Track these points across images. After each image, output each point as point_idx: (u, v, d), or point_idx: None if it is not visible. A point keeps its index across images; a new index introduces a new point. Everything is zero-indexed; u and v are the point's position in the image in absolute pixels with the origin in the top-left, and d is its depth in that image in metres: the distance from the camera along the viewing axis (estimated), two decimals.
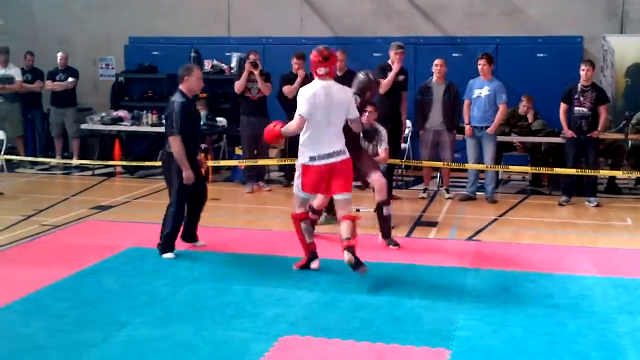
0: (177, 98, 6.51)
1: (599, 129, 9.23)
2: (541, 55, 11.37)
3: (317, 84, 5.91)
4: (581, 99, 9.13)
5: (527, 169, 9.83)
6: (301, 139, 5.93)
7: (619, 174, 9.81)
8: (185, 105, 6.46)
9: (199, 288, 5.64)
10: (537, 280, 5.83)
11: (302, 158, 5.96)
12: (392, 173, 9.67)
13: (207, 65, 12.40)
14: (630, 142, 10.19)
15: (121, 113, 11.93)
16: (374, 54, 11.29)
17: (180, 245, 6.72)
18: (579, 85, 9.18)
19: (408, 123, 10.44)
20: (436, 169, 10.08)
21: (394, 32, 11.89)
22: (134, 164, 10.77)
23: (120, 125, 11.76)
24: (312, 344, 4.53)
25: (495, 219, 8.33)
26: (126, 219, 8.28)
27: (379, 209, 6.97)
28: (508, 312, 5.07)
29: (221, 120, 11.57)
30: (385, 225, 7.01)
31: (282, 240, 7.12)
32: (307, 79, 9.06)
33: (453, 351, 4.41)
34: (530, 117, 10.37)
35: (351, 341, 4.56)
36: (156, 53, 12.92)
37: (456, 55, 11.36)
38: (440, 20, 12.27)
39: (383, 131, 7.51)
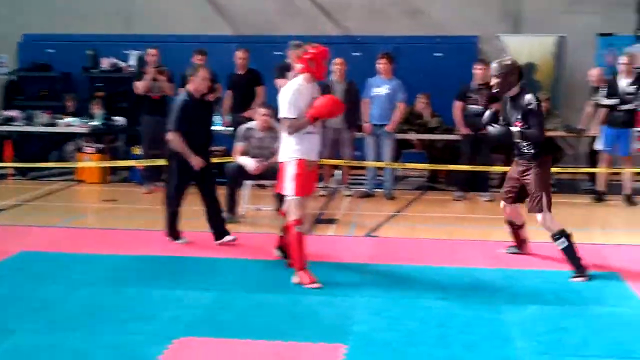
0: (181, 96, 6.81)
1: None
2: (438, 54, 11.64)
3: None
4: (476, 97, 9.40)
5: (425, 165, 10.05)
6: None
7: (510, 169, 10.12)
8: (186, 103, 6.66)
9: (93, 292, 5.47)
10: (431, 274, 5.97)
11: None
12: None
13: (105, 64, 12.10)
14: None
15: (13, 113, 11.47)
16: (276, 53, 11.26)
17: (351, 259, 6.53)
18: (474, 83, 9.45)
19: None
20: (336, 167, 10.18)
21: (297, 31, 11.86)
22: (26, 165, 10.42)
23: (12, 125, 11.31)
24: (208, 345, 4.49)
25: (394, 215, 8.48)
26: (17, 222, 7.98)
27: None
28: (403, 306, 5.17)
29: (119, 120, 11.33)
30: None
31: None
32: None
33: (350, 346, 4.45)
34: (427, 115, 10.59)
35: (249, 340, 4.53)
36: (51, 51, 12.50)
37: (356, 54, 11.48)
38: (342, 20, 12.40)
39: (277, 126, 7.55)
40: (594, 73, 10.14)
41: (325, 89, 9.43)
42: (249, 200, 8.42)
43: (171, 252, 6.66)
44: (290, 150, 5.64)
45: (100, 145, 10.78)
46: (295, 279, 5.63)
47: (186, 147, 6.63)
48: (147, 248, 6.80)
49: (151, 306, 5.15)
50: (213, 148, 11.01)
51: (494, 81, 5.90)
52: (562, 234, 5.81)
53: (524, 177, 6.02)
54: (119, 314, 4.99)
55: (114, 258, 6.44)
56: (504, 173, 10.43)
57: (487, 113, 6.32)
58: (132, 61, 11.90)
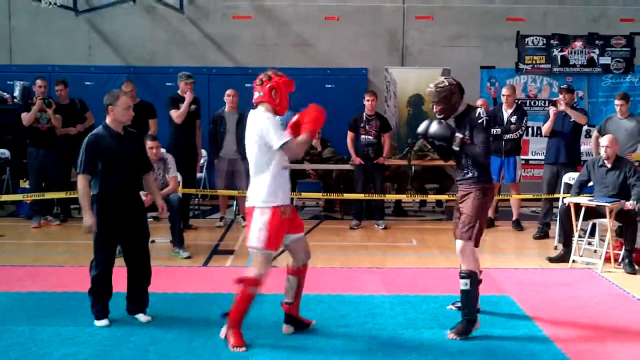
0: (92, 133, 5.51)
1: (384, 155, 9.75)
2: (329, 86, 11.83)
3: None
4: (367, 127, 9.60)
5: (319, 195, 10.14)
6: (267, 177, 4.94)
7: (404, 197, 10.40)
8: (93, 141, 5.38)
9: None
10: (329, 302, 5.98)
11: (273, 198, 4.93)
12: (189, 202, 9.61)
13: None
14: (413, 167, 10.84)
15: None
16: (167, 84, 11.17)
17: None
18: (364, 114, 9.65)
19: (203, 152, 10.42)
20: (232, 198, 10.12)
21: (187, 62, 11.85)
22: None
23: None
24: None
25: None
26: None
27: None
28: (302, 337, 5.15)
29: (3, 152, 10.89)
30: None
31: (72, 276, 6.78)
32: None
33: None
34: (318, 145, 10.71)
35: None
36: None
37: (249, 85, 11.46)
38: (232, 51, 12.42)
39: (169, 158, 7.51)
40: (479, 104, 10.54)
41: (219, 119, 9.45)
42: None
43: (62, 287, 6.40)
44: (264, 193, 4.88)
45: None
46: (223, 333, 5.05)
47: (86, 197, 5.36)
48: (37, 284, 6.52)
49: (42, 344, 4.95)
50: None
51: (437, 107, 5.27)
52: (470, 276, 5.21)
53: (461, 203, 5.35)
54: (8, 353, 4.77)
55: (1, 295, 6.16)
56: (398, 201, 10.75)
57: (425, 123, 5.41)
58: (17, 92, 11.49)
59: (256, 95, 4.99)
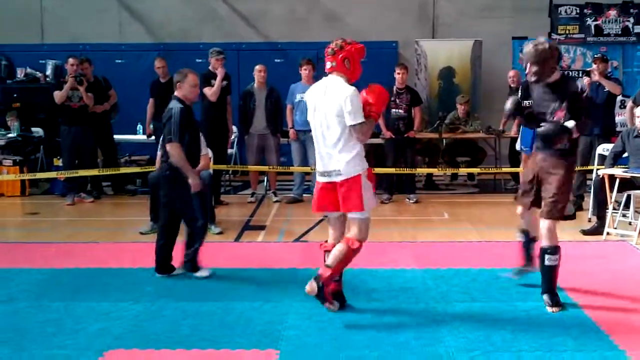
0: (174, 105, 6.00)
1: (414, 129, 9.69)
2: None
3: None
4: (397, 101, 9.54)
5: None
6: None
7: (435, 171, 10.35)
8: (184, 112, 5.96)
9: (16, 308, 5.31)
10: (362, 276, 5.99)
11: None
12: (220, 179, 9.67)
13: (20, 73, 11.76)
14: (444, 140, 10.77)
15: None
16: (197, 60, 11.20)
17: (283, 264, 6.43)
18: (395, 88, 9.58)
19: (233, 128, 10.44)
20: (263, 173, 10.16)
21: (217, 38, 11.85)
22: None
23: None
24: (138, 357, 4.41)
25: (322, 220, 8.49)
26: None
27: None
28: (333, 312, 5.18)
29: (37, 131, 11.02)
30: None
31: (106, 252, 6.89)
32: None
33: (281, 351, 4.44)
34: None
35: (180, 350, 4.47)
36: None
37: (278, 60, 11.50)
38: (261, 26, 12.40)
39: (200, 136, 7.51)
40: (511, 75, 10.45)
41: (248, 95, 9.46)
42: None
43: (96, 264, 6.50)
44: (359, 160, 4.92)
45: (18, 158, 10.45)
46: (309, 287, 4.95)
47: (187, 162, 5.95)
48: (72, 260, 6.62)
49: (78, 320, 5.02)
50: (136, 158, 10.93)
51: (532, 69, 5.03)
52: (556, 251, 5.14)
53: (547, 176, 5.15)
54: (45, 328, 4.85)
55: (36, 272, 6.26)
56: (429, 175, 10.70)
57: (511, 101, 5.43)
58: (49, 71, 11.60)
59: (328, 65, 4.94)
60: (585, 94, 4.83)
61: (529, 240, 5.66)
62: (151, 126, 9.93)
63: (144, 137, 10.28)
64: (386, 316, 5.07)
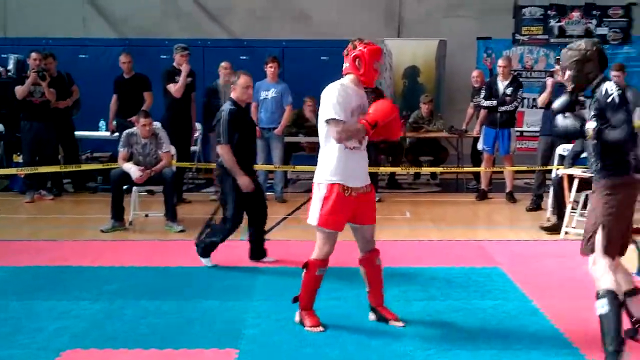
0: (226, 106, 6.19)
1: None
2: (325, 58, 11.77)
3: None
4: None
5: (314, 168, 10.11)
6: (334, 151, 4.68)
7: (398, 170, 10.42)
8: (234, 114, 6.10)
9: None
10: (324, 275, 6.00)
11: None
12: (183, 176, 9.63)
13: None
14: (408, 139, 10.83)
15: None
16: (162, 56, 11.16)
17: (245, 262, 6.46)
18: None
19: (198, 126, 10.40)
20: None
21: (182, 34, 11.80)
22: None
23: None
24: (95, 356, 4.38)
25: (285, 218, 8.52)
26: None
27: None
28: (296, 308, 5.19)
29: None
30: None
31: (67, 250, 6.83)
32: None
33: (241, 350, 4.45)
34: (312, 118, 10.67)
35: (138, 350, 4.45)
36: None
37: (243, 57, 11.46)
38: (227, 23, 12.37)
39: (161, 133, 7.53)
40: (475, 75, 10.55)
41: (213, 92, 9.43)
42: (137, 207, 8.25)
43: (56, 262, 6.44)
44: (326, 171, 4.65)
45: None
46: (297, 317, 4.91)
47: (236, 164, 6.09)
48: (31, 258, 6.55)
49: (36, 318, 4.97)
50: (98, 155, 10.83)
51: (565, 75, 4.43)
52: (606, 296, 4.13)
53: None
54: (2, 328, 4.79)
55: None
56: (392, 174, 10.76)
57: (563, 99, 4.53)
58: (11, 65, 11.43)
59: (344, 66, 4.73)
60: (614, 97, 4.15)
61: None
62: (114, 123, 9.85)
63: (107, 133, 10.18)
64: (346, 314, 5.10)
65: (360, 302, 5.27)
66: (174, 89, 9.08)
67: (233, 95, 6.23)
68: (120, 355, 4.39)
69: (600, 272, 4.21)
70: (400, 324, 4.88)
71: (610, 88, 4.16)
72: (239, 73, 6.28)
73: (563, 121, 4.47)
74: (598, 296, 4.16)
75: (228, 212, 6.25)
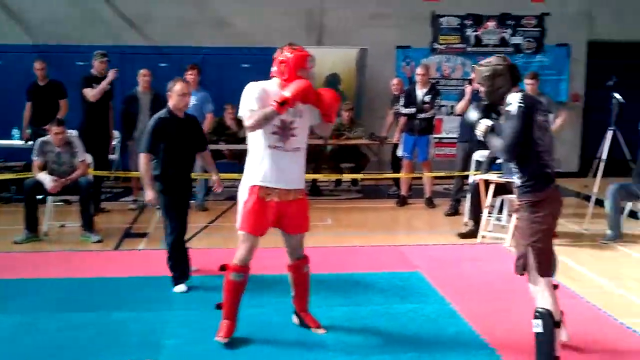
0: (158, 114, 5.96)
1: None
2: (246, 65, 11.73)
3: None
4: None
5: (236, 175, 10.07)
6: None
7: (319, 177, 10.46)
8: (160, 122, 5.83)
9: None
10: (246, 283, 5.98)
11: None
12: (100, 185, 9.43)
13: None
14: (329, 146, 10.89)
15: None
16: (78, 63, 10.92)
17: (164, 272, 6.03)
18: None
19: (116, 133, 10.22)
20: None
21: (100, 40, 11.53)
22: None
23: None
24: None
25: (206, 226, 8.45)
26: None
27: None
28: (215, 317, 5.13)
29: None
30: None
31: None
32: None
33: None
34: (233, 125, 10.63)
35: None
36: None
37: (163, 64, 11.31)
38: (146, 30, 12.18)
39: (76, 141, 7.41)
40: (394, 83, 10.71)
41: (132, 99, 9.28)
42: (53, 217, 8.04)
43: None
44: (248, 174, 4.64)
45: None
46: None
47: (147, 174, 5.83)
48: None
49: None
50: (11, 164, 10.49)
51: (480, 90, 4.43)
52: (542, 316, 4.11)
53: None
54: None
55: None
56: (314, 180, 10.80)
57: (475, 112, 4.44)
58: None
59: (272, 69, 4.66)
60: (515, 108, 4.11)
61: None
62: (28, 131, 9.57)
63: (20, 142, 9.89)
64: (268, 322, 5.09)
65: (283, 309, 5.27)
66: (91, 94, 8.90)
67: (170, 103, 5.94)
68: None
69: (539, 291, 4.18)
70: (322, 331, 4.90)
71: (513, 98, 4.14)
72: (175, 80, 6.01)
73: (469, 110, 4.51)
74: (535, 315, 4.14)
75: (167, 224, 5.98)
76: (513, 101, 4.12)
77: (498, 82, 4.26)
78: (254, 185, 4.59)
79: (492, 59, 4.36)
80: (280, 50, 4.62)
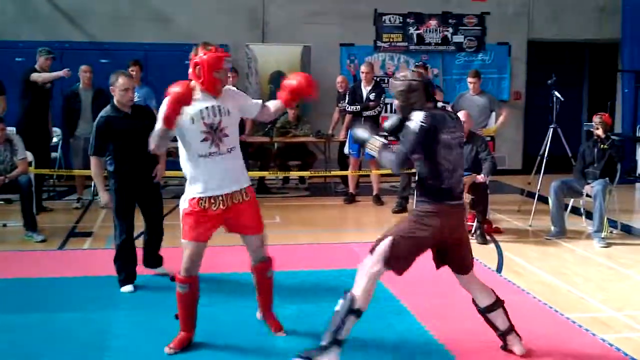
0: (102, 112, 5.68)
1: (246, 133, 9.71)
2: (188, 62, 11.58)
3: None
4: None
5: (180, 173, 9.97)
6: None
7: (266, 174, 10.43)
8: (104, 122, 5.58)
9: None
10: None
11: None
12: (42, 183, 9.23)
13: None
14: (276, 144, 10.86)
15: None
16: (17, 59, 10.67)
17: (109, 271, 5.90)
18: None
19: (57, 130, 10.01)
20: (89, 178, 9.77)
21: (38, 36, 11.27)
22: None
23: None
24: None
25: None
26: None
27: None
28: (161, 318, 5.05)
29: None
30: None
31: None
32: None
33: None
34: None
35: None
36: None
37: (104, 61, 11.11)
38: (86, 26, 11.94)
39: (15, 139, 7.26)
40: (339, 80, 10.74)
41: (73, 96, 9.10)
42: None
43: None
44: (187, 185, 4.52)
45: None
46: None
47: (98, 178, 5.68)
48: None
49: None
50: None
51: (396, 103, 4.44)
52: (352, 301, 4.22)
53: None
54: None
55: None
56: (261, 178, 10.76)
57: (394, 119, 4.45)
58: None
59: (189, 71, 4.50)
60: (414, 125, 4.12)
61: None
62: None
63: None
64: (215, 321, 5.04)
65: (229, 308, 5.24)
66: (40, 77, 8.68)
67: (115, 98, 5.72)
68: None
69: (361, 274, 4.24)
70: (282, 334, 4.83)
71: (417, 116, 4.14)
72: (117, 73, 5.73)
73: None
74: (344, 295, 4.23)
75: (117, 224, 5.77)
76: (415, 118, 4.14)
77: (412, 97, 4.26)
78: (193, 198, 4.47)
79: (407, 74, 4.35)
80: (195, 50, 4.46)
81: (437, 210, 4.20)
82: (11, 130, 8.19)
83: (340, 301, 4.21)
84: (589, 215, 8.04)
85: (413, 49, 12.70)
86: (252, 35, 12.26)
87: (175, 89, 4.20)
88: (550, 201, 7.90)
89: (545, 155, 8.64)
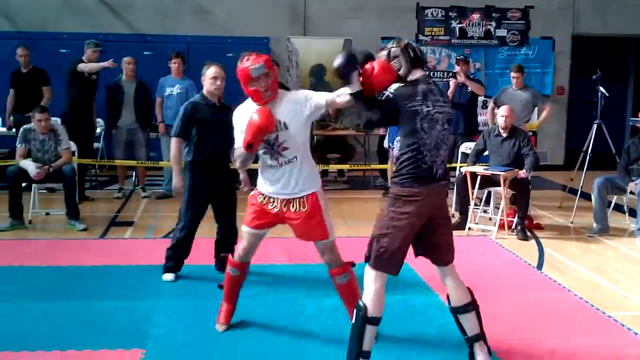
0: (191, 99, 5.82)
1: None
2: (230, 54, 11.63)
3: None
4: None
5: None
6: None
7: None
8: (191, 107, 5.61)
9: None
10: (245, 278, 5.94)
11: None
12: (85, 173, 9.36)
13: None
14: (315, 137, 10.85)
15: None
16: (62, 50, 10.83)
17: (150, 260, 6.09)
18: None
19: (100, 122, 10.14)
20: (131, 168, 9.90)
21: (82, 28, 11.44)
22: None
23: None
24: None
25: None
26: None
27: None
28: (202, 307, 5.11)
29: None
30: None
31: None
32: None
33: (147, 350, 4.35)
34: None
35: (40, 352, 4.29)
36: None
37: (147, 53, 11.23)
38: (128, 18, 12.07)
39: (60, 129, 7.34)
40: None
41: (117, 87, 9.20)
42: (37, 205, 7.95)
43: None
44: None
45: None
46: None
47: (177, 161, 5.67)
48: None
49: None
50: None
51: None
52: (360, 310, 3.99)
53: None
54: None
55: None
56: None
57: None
58: None
59: None
60: (387, 95, 3.94)
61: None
62: (11, 118, 9.46)
63: (4, 129, 9.78)
64: (255, 312, 5.06)
65: (269, 300, 5.26)
66: (87, 68, 8.79)
67: (204, 88, 5.69)
68: (21, 357, 4.23)
69: (366, 283, 4.06)
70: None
71: (392, 86, 3.95)
72: (209, 63, 5.66)
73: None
74: (355, 306, 4.04)
75: (182, 217, 5.77)
76: (390, 88, 3.94)
77: (395, 64, 4.02)
78: (258, 190, 4.60)
79: (392, 42, 4.15)
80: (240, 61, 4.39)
81: (410, 193, 3.95)
82: (55, 120, 8.29)
83: (354, 314, 4.01)
84: (632, 213, 7.91)
85: (455, 43, 12.60)
86: (293, 29, 12.28)
87: (257, 117, 4.21)
88: (593, 198, 7.77)
89: (589, 151, 8.50)
